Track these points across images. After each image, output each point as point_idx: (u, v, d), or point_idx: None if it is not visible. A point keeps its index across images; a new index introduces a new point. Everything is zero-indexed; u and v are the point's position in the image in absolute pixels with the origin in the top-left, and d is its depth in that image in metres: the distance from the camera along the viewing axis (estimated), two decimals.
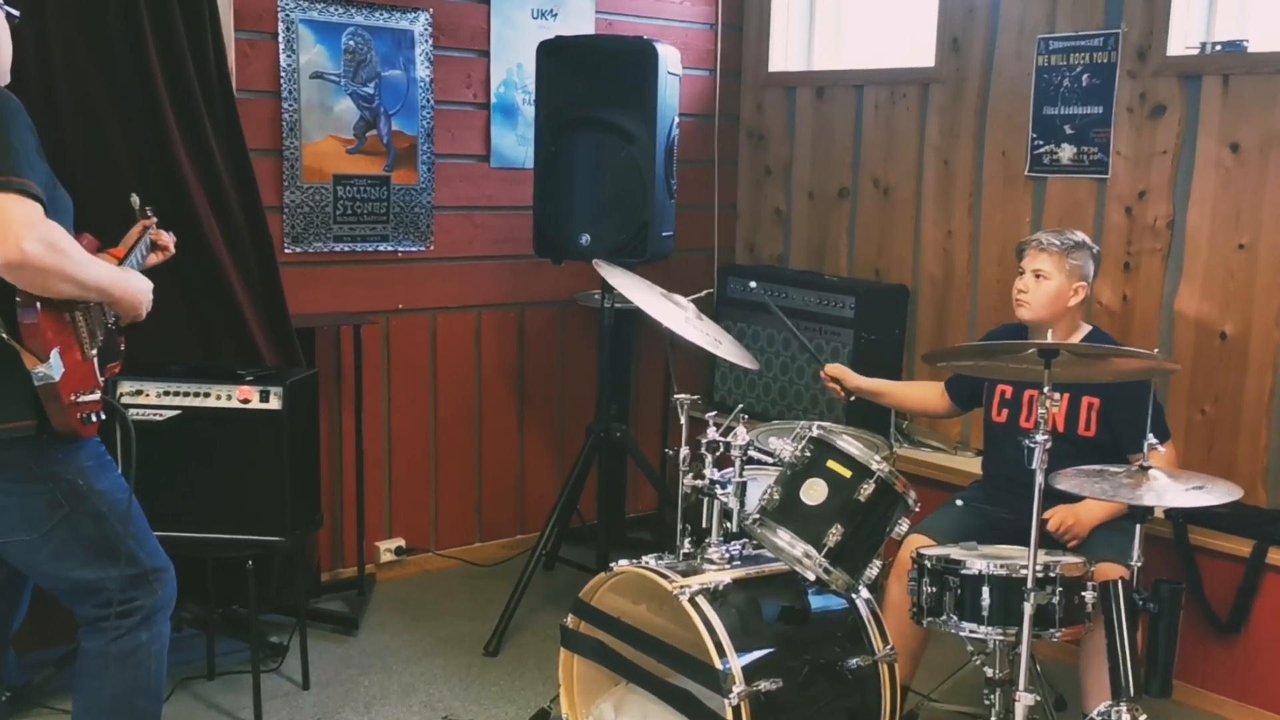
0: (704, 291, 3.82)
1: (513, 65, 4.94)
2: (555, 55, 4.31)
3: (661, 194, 4.23)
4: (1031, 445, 2.71)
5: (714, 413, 3.18)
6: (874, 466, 2.88)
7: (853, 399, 3.85)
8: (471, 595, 4.69)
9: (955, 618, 2.99)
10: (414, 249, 4.76)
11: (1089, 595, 3.00)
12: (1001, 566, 2.98)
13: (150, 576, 2.81)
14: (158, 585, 2.82)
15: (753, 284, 3.80)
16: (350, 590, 4.60)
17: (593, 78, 4.24)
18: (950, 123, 4.70)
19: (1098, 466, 2.96)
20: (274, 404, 3.64)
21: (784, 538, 2.89)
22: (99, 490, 2.71)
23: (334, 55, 4.49)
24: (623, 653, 3.13)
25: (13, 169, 2.40)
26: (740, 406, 3.18)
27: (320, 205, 4.53)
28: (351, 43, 4.53)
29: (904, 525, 2.97)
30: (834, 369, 3.85)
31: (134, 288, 2.78)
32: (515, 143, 4.98)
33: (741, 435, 3.05)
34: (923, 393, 3.92)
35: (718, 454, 3.08)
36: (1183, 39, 4.04)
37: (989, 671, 3.13)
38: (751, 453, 3.15)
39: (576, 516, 4.80)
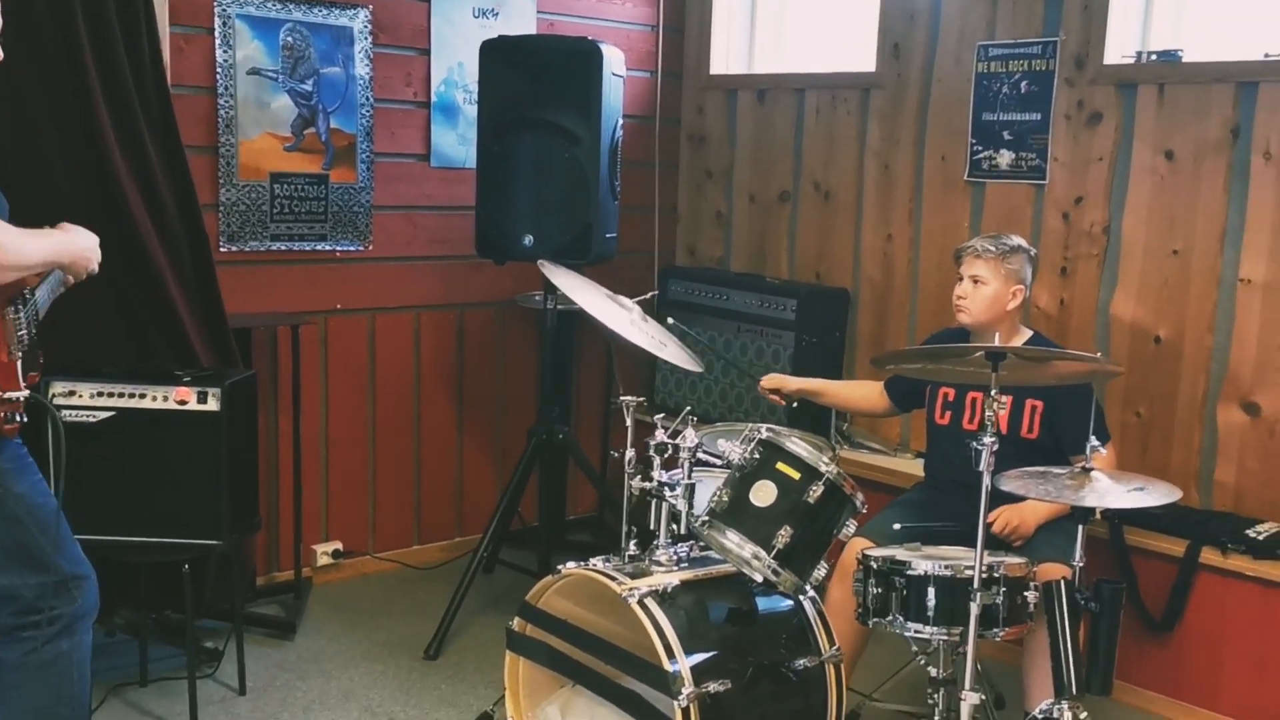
0: (649, 294, 3.83)
1: (454, 64, 4.93)
2: (497, 54, 4.30)
3: (605, 195, 4.24)
4: (979, 447, 2.76)
5: (662, 415, 3.20)
6: (823, 468, 2.92)
7: (795, 404, 3.89)
8: (410, 599, 4.66)
9: (901, 618, 3.04)
10: (352, 248, 4.73)
11: (1031, 595, 3.06)
12: (946, 567, 3.03)
13: (70, 584, 2.75)
14: (78, 593, 2.77)
15: (670, 320, 3.85)
16: (286, 594, 4.55)
17: (536, 78, 4.24)
18: (891, 127, 4.76)
19: (1041, 468, 3.03)
20: (212, 405, 3.60)
21: (733, 539, 2.92)
22: (16, 494, 2.66)
23: (271, 51, 4.45)
24: (570, 655, 3.14)
25: None
26: (688, 409, 3.20)
27: (257, 204, 4.49)
28: (290, 39, 4.50)
29: (851, 527, 3.01)
30: (769, 380, 3.89)
31: (80, 247, 2.74)
32: (456, 142, 4.97)
33: (690, 437, 3.07)
34: (862, 392, 3.97)
35: (666, 456, 3.10)
36: (1119, 48, 4.14)
37: (932, 671, 3.18)
38: (699, 454, 3.17)
39: (516, 519, 4.79)
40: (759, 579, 2.97)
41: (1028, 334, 3.60)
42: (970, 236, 4.48)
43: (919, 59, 4.66)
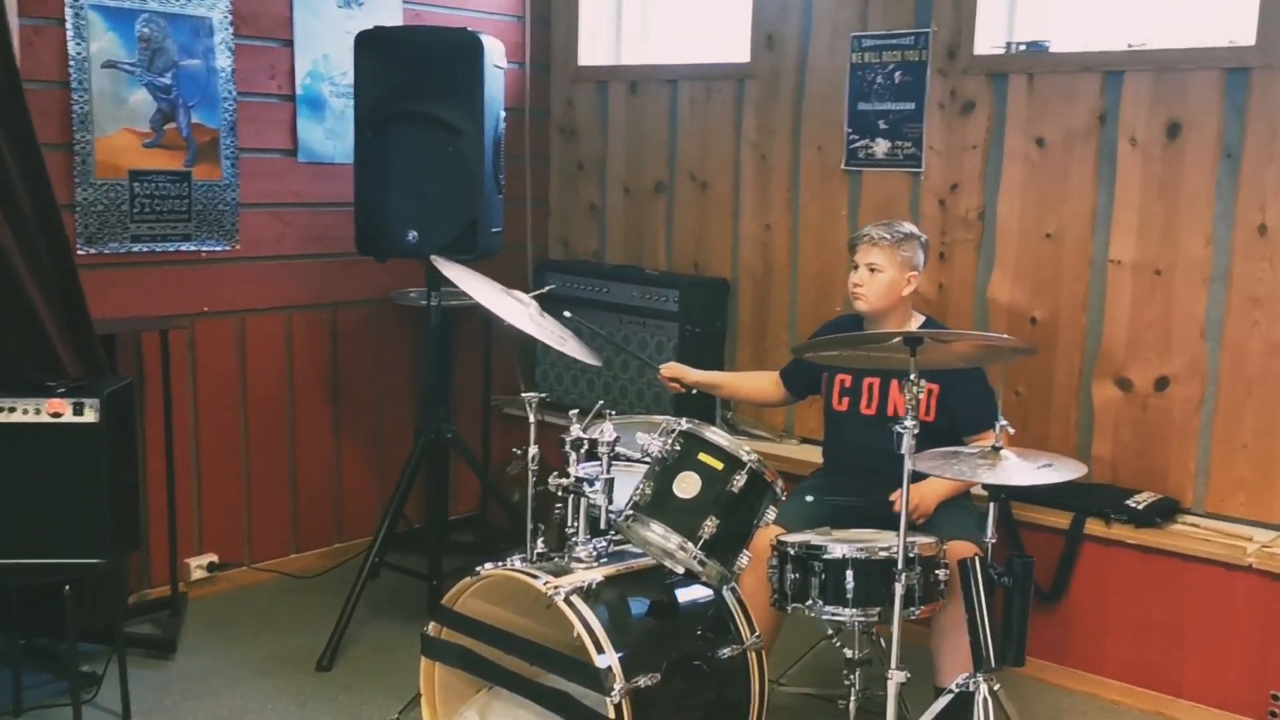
0: (546, 288, 3.81)
1: (318, 55, 4.81)
2: (373, 46, 4.21)
3: (490, 190, 4.20)
4: (900, 430, 2.83)
5: (575, 410, 3.19)
6: (744, 458, 2.95)
7: (694, 392, 3.92)
8: (293, 609, 4.54)
9: (820, 602, 3.09)
10: (218, 248, 4.57)
11: (942, 573, 3.16)
12: (862, 550, 3.10)
13: None
14: None
15: (567, 313, 3.85)
16: (161, 611, 4.38)
17: (414, 70, 4.16)
18: (766, 118, 4.83)
19: (952, 449, 3.12)
20: (89, 417, 3.44)
21: (657, 531, 2.92)
22: None
23: (128, 43, 4.27)
24: (489, 657, 3.10)
25: None
26: (600, 403, 3.20)
27: (116, 203, 4.30)
28: (146, 30, 4.32)
29: (771, 514, 3.05)
30: (669, 369, 3.92)
31: None
32: (323, 136, 4.85)
33: (609, 431, 3.07)
34: (758, 383, 4.03)
35: (583, 450, 3.09)
36: (989, 39, 4.28)
37: (848, 653, 3.25)
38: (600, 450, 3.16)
39: (402, 521, 4.71)
40: (683, 570, 2.98)
41: (921, 319, 3.70)
42: (849, 225, 4.61)
43: (793, 50, 4.74)
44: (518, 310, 3.57)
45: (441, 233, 4.16)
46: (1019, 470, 2.94)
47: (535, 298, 3.71)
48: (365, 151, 4.23)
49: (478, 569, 3.10)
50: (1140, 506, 3.83)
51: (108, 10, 4.21)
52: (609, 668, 2.79)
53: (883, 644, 3.40)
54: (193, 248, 4.50)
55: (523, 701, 3.18)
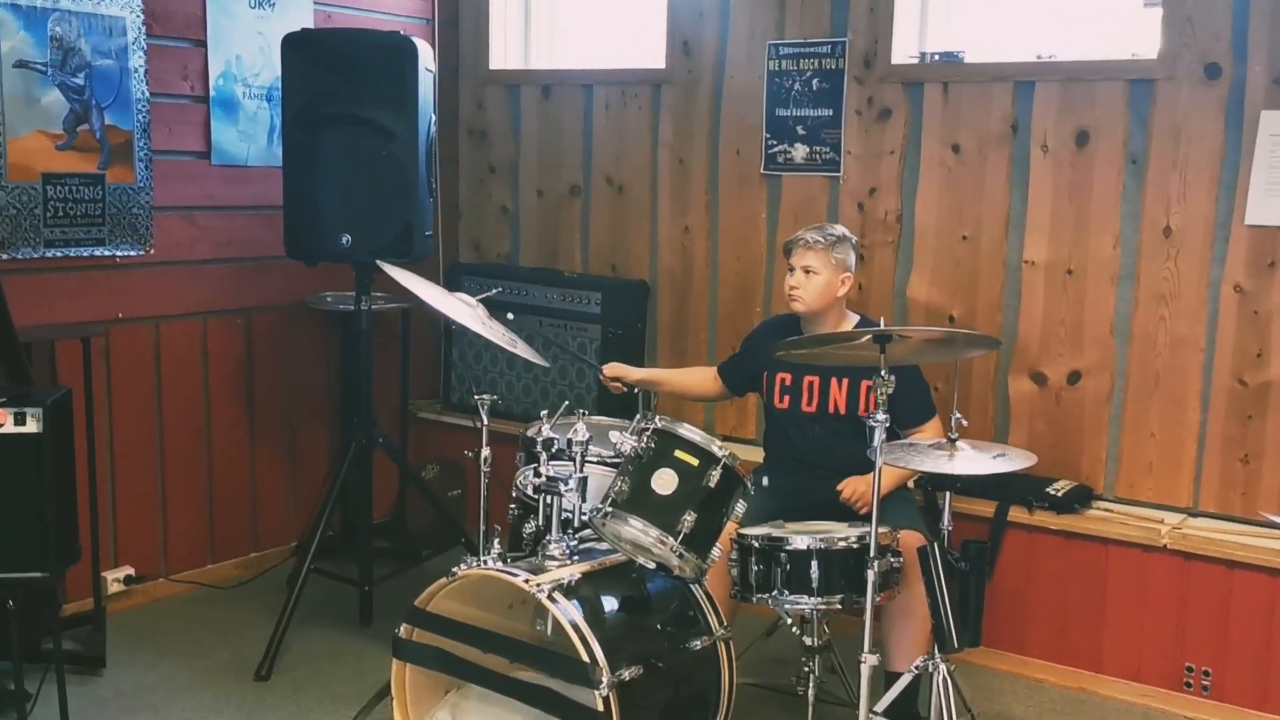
0: (493, 290, 3.86)
1: (231, 56, 4.77)
2: (301, 48, 4.22)
3: (424, 193, 4.24)
4: (873, 425, 2.98)
5: (545, 410, 3.27)
6: (719, 454, 3.07)
7: (635, 391, 4.02)
8: (216, 621, 4.50)
9: (785, 592, 3.24)
10: (133, 253, 4.51)
11: (895, 561, 3.33)
12: (823, 541, 3.26)
13: None
14: None
15: (510, 315, 3.93)
16: (82, 626, 4.28)
17: (345, 73, 4.18)
18: (684, 122, 4.97)
19: (908, 442, 3.30)
20: (32, 427, 3.38)
21: (636, 526, 3.02)
22: None
23: (40, 42, 4.19)
24: (465, 657, 3.16)
25: None
26: (567, 403, 3.28)
27: (28, 207, 4.21)
28: (59, 29, 4.24)
29: (741, 508, 3.18)
30: (612, 368, 4.02)
31: None
32: (236, 139, 4.81)
33: (582, 431, 3.16)
34: (697, 379, 4.16)
35: (554, 450, 3.18)
36: (905, 49, 4.50)
37: (807, 640, 3.40)
38: (573, 449, 3.25)
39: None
40: (654, 565, 3.10)
41: (855, 318, 3.88)
42: (768, 228, 4.78)
43: (709, 56, 4.88)
44: (468, 313, 3.63)
45: (376, 236, 4.19)
46: (975, 460, 3.13)
47: (481, 301, 3.78)
48: (294, 154, 4.24)
49: (453, 570, 3.15)
50: (1059, 494, 4.09)
51: (19, 9, 4.12)
52: (595, 662, 2.88)
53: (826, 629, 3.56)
54: (107, 252, 4.43)
55: (496, 699, 3.25)
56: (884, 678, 3.55)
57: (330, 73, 4.20)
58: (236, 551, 4.95)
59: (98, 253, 4.40)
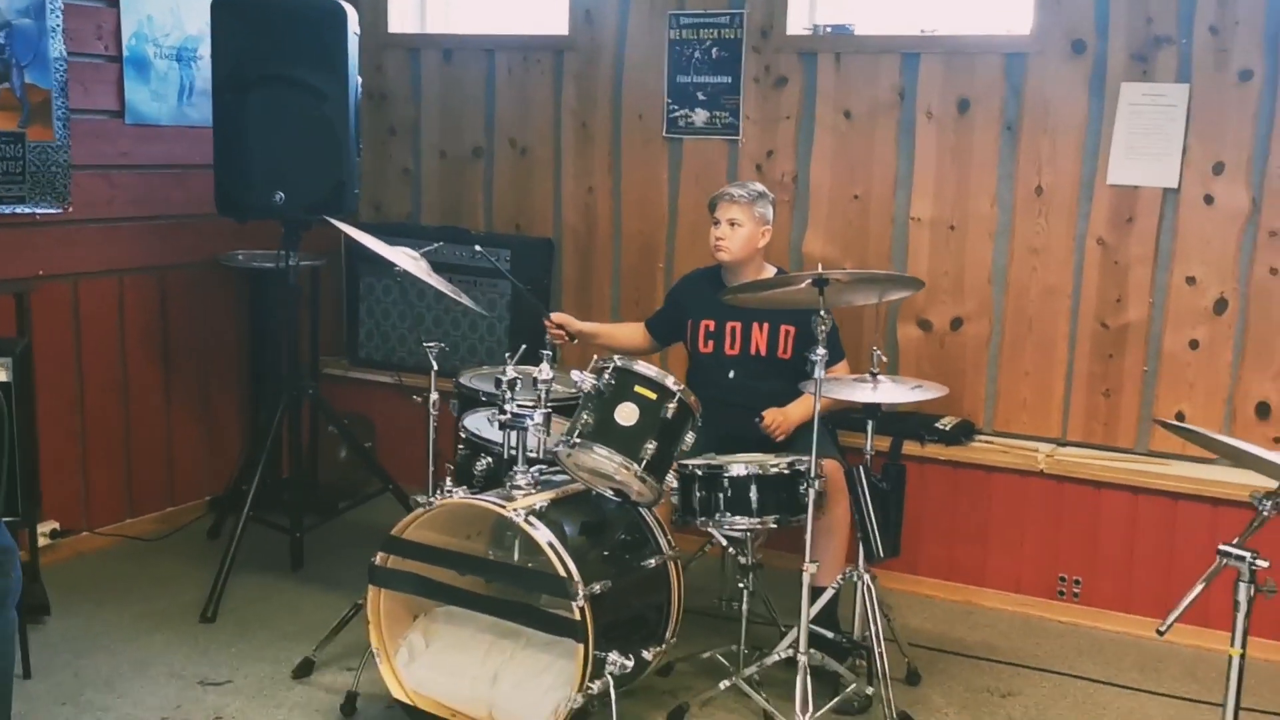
0: (434, 245, 4.14)
1: (143, 16, 4.90)
2: (230, 10, 4.42)
3: (352, 152, 4.48)
4: (814, 359, 3.39)
5: (508, 353, 3.58)
6: (673, 388, 3.45)
7: (575, 342, 4.35)
8: (145, 572, 4.67)
9: (728, 514, 3.64)
10: (52, 211, 4.62)
11: (818, 485, 3.76)
12: (758, 467, 3.67)
13: (3, 557, 2.79)
14: (9, 566, 2.81)
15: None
16: None
17: (275, 35, 4.39)
18: (587, 87, 5.30)
19: (836, 378, 3.73)
20: (2, 376, 3.54)
21: (601, 454, 3.37)
22: None
23: None
24: (441, 580, 3.47)
25: None
26: (547, 351, 3.58)
27: None
28: None
29: (691, 438, 3.56)
30: (559, 317, 4.34)
31: None
32: (149, 98, 4.95)
33: (545, 371, 3.49)
34: (628, 332, 4.52)
35: (539, 391, 3.49)
36: (800, 21, 4.93)
37: (742, 559, 3.82)
38: (539, 387, 3.58)
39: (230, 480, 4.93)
40: (611, 492, 3.46)
41: (772, 269, 4.30)
42: (670, 188, 5.17)
43: (611, 25, 5.22)
44: (418, 266, 3.93)
45: (308, 193, 4.42)
46: (896, 391, 3.59)
47: (424, 254, 4.06)
48: (225, 115, 4.43)
49: (430, 500, 3.46)
50: (947, 428, 4.60)
51: None
52: (571, 577, 3.23)
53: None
54: (27, 210, 4.53)
55: (463, 620, 3.58)
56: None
57: (259, 35, 4.39)
58: (154, 506, 5.11)
59: (18, 210, 4.50)
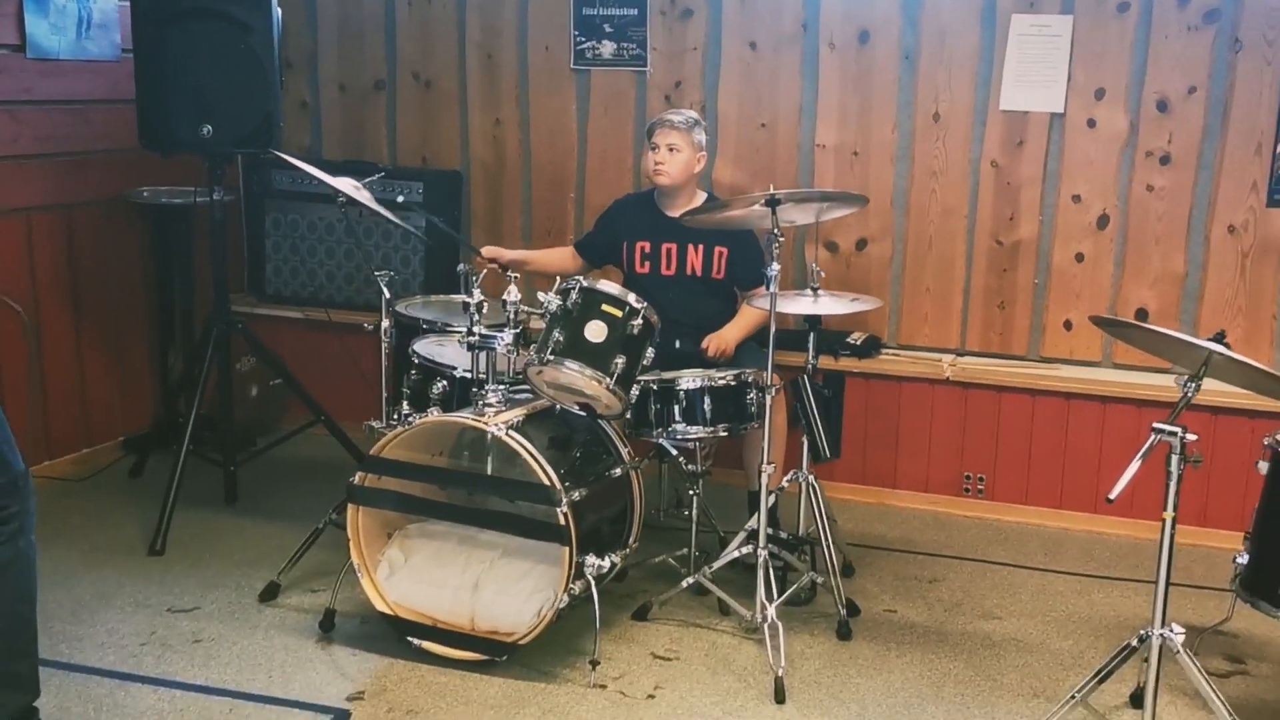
0: (376, 175, 4.29)
1: None
2: None
3: (276, 85, 4.58)
4: (770, 275, 3.69)
5: (478, 277, 3.79)
6: (637, 305, 3.72)
7: (507, 272, 4.55)
8: (76, 511, 4.73)
9: (683, 424, 3.94)
10: None
11: (757, 397, 4.09)
12: (708, 380, 3.98)
13: (19, 481, 2.91)
14: (26, 490, 2.93)
15: (400, 198, 4.41)
16: None
17: None
18: (491, 20, 5.47)
19: (791, 293, 4.03)
20: None
21: (573, 369, 3.61)
22: None
23: None
24: (419, 495, 3.69)
25: None
26: (515, 275, 3.79)
27: None
28: None
29: (651, 353, 3.83)
30: (489, 251, 4.54)
31: None
32: (48, 31, 4.93)
33: (514, 292, 3.71)
34: (558, 257, 4.75)
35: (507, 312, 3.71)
36: None
37: (691, 468, 4.13)
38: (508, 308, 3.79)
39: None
40: (576, 406, 3.72)
41: (704, 194, 4.58)
42: (578, 118, 5.40)
43: None
44: (364, 196, 4.09)
45: (235, 127, 4.51)
46: (836, 304, 3.94)
47: (366, 185, 4.23)
48: (146, 48, 4.48)
49: (409, 418, 3.67)
50: (858, 343, 4.98)
51: None
52: (554, 485, 3.50)
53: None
54: None
55: (438, 535, 3.81)
56: (747, 497, 4.35)
57: None
58: (72, 447, 5.14)
59: None
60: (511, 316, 3.72)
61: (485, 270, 4.43)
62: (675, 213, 4.41)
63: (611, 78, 5.35)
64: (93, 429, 5.23)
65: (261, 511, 4.79)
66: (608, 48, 5.33)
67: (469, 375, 3.88)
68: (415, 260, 5.48)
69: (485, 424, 3.55)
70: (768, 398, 3.78)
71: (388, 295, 4.09)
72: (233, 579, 4.21)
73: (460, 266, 4.65)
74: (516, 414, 3.67)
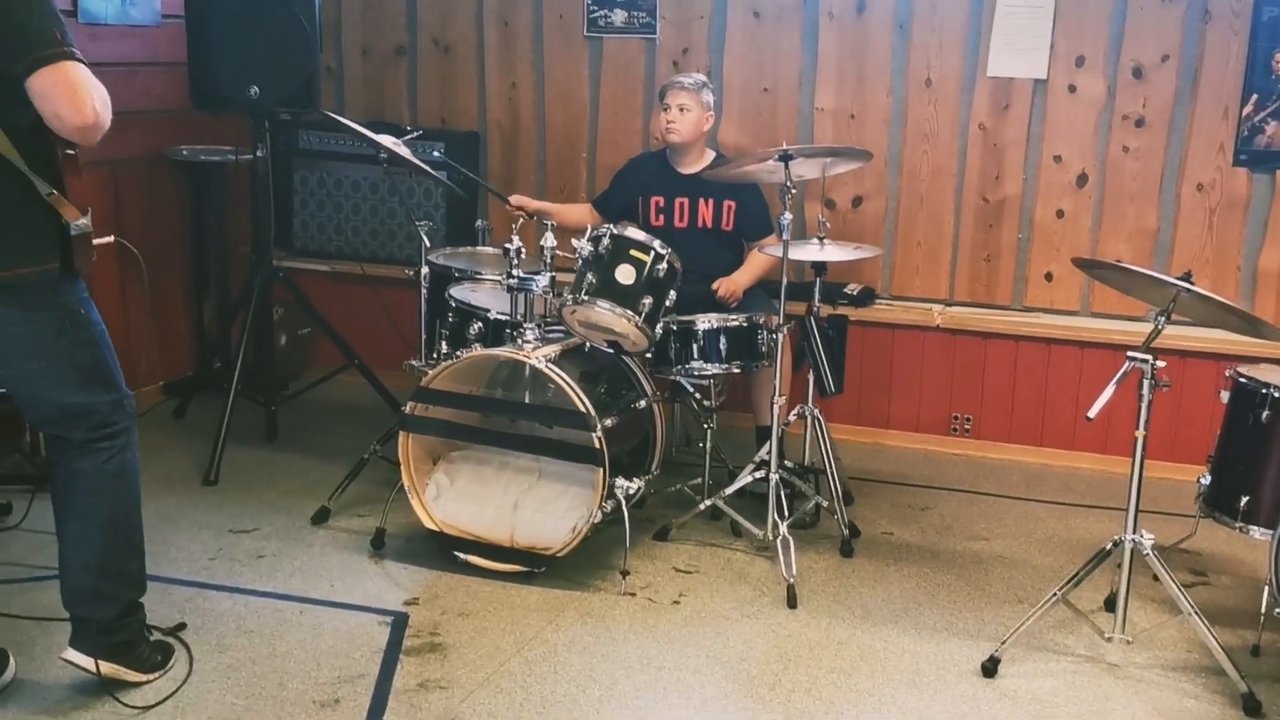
0: (416, 133, 4.69)
1: None
2: None
3: (317, 49, 4.96)
4: (783, 223, 4.10)
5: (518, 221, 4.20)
6: (661, 250, 4.13)
7: (533, 218, 4.96)
8: None
9: (700, 362, 4.37)
10: None
11: (768, 337, 4.51)
12: (722, 320, 4.40)
13: (125, 401, 3.30)
14: (130, 409, 3.32)
15: (437, 153, 4.81)
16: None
17: None
18: None
19: (798, 243, 4.45)
20: None
21: (605, 307, 4.02)
22: (91, 319, 3.18)
23: None
24: (467, 422, 4.12)
25: (68, 37, 2.86)
26: (550, 223, 4.20)
27: None
28: None
29: (673, 296, 4.24)
30: (516, 199, 4.95)
31: None
32: None
33: (550, 239, 4.12)
34: (577, 212, 5.14)
35: (544, 257, 4.12)
36: None
37: (707, 403, 4.56)
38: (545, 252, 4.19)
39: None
40: (605, 343, 4.14)
41: (712, 152, 4.99)
42: (590, 83, 5.80)
43: None
44: (404, 151, 4.50)
45: (282, 88, 4.89)
46: (841, 251, 4.36)
47: (407, 142, 4.63)
48: (197, 15, 4.86)
49: (457, 353, 4.08)
50: (854, 293, 5.41)
51: None
52: (589, 413, 3.92)
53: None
54: None
55: (479, 459, 4.23)
56: (755, 433, 4.78)
57: None
58: None
59: None
60: (548, 261, 4.13)
61: (519, 219, 4.85)
62: (687, 170, 4.84)
63: (622, 44, 5.74)
64: (137, 373, 5.60)
65: (301, 448, 5.19)
66: (619, 16, 5.72)
67: (501, 317, 4.30)
68: (437, 216, 5.86)
69: (527, 357, 3.96)
70: (779, 336, 4.20)
71: (428, 245, 4.49)
72: (284, 505, 4.62)
73: (478, 222, 5.10)
74: (552, 349, 4.08)
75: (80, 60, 2.88)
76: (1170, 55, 5.09)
